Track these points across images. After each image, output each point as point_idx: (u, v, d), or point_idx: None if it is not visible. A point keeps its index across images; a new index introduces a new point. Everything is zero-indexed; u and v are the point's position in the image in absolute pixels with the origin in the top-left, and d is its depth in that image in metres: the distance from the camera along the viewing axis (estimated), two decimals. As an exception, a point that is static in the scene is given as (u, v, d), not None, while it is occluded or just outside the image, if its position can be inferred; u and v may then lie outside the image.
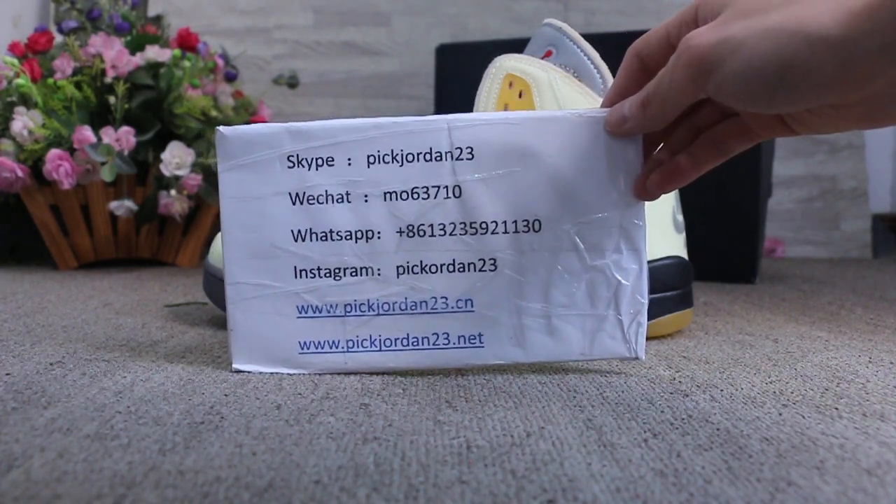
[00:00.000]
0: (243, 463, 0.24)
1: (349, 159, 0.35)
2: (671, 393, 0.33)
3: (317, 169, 0.35)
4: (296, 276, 0.35)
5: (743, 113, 0.31)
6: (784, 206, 1.36)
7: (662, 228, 0.47)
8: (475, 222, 0.35)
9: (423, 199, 0.35)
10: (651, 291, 0.45)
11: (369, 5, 1.37)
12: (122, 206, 0.88)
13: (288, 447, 0.25)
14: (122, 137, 0.85)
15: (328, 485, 0.22)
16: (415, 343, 0.36)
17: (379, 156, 0.35)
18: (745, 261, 0.85)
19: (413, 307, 0.35)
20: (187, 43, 0.97)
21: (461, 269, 0.35)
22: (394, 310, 0.35)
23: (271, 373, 0.36)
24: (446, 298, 0.35)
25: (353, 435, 0.27)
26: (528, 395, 0.33)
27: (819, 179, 1.36)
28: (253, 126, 0.35)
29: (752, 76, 0.25)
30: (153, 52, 0.91)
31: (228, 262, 0.36)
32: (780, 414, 0.30)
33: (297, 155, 0.35)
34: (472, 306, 0.35)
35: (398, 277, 0.35)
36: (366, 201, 0.35)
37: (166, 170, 0.87)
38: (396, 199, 0.35)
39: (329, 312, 0.36)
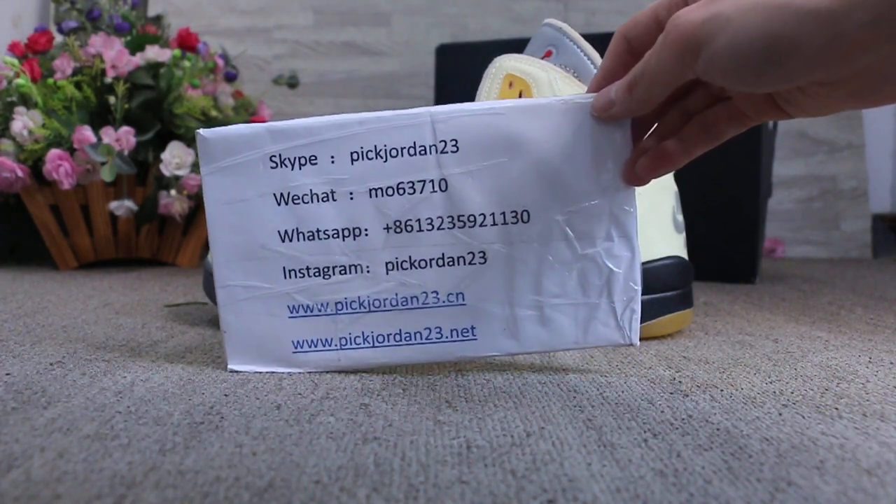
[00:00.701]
0: (243, 463, 0.24)
1: (332, 157, 0.34)
2: (671, 393, 0.33)
3: (300, 168, 0.35)
4: (285, 277, 0.35)
5: (734, 95, 0.31)
6: (784, 206, 1.36)
7: (662, 228, 0.47)
8: (463, 215, 0.35)
9: (409, 194, 0.34)
10: (651, 291, 0.45)
11: (369, 5, 1.37)
12: (122, 206, 0.88)
13: (288, 447, 0.25)
14: (122, 137, 0.85)
15: (328, 485, 0.22)
16: (407, 338, 0.36)
17: (362, 152, 0.34)
18: (745, 261, 0.85)
19: (404, 303, 0.35)
20: (187, 43, 0.97)
21: (451, 263, 0.35)
22: (385, 306, 0.35)
23: (267, 372, 0.36)
24: (437, 293, 0.35)
25: (353, 435, 0.27)
26: (528, 395, 0.33)
27: (819, 179, 1.36)
28: (233, 127, 0.35)
29: (740, 52, 0.25)
30: (153, 52, 0.91)
31: (217, 265, 0.36)
32: (780, 414, 0.30)
33: (280, 155, 0.35)
34: (463, 300, 0.35)
35: (387, 274, 0.35)
36: (351, 199, 0.35)
37: (166, 170, 0.87)
38: (382, 195, 0.35)
39: (320, 311, 0.36)
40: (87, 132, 0.83)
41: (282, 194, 0.35)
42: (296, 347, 0.36)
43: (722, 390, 0.34)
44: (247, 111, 1.05)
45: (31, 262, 1.00)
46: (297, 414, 0.29)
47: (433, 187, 0.34)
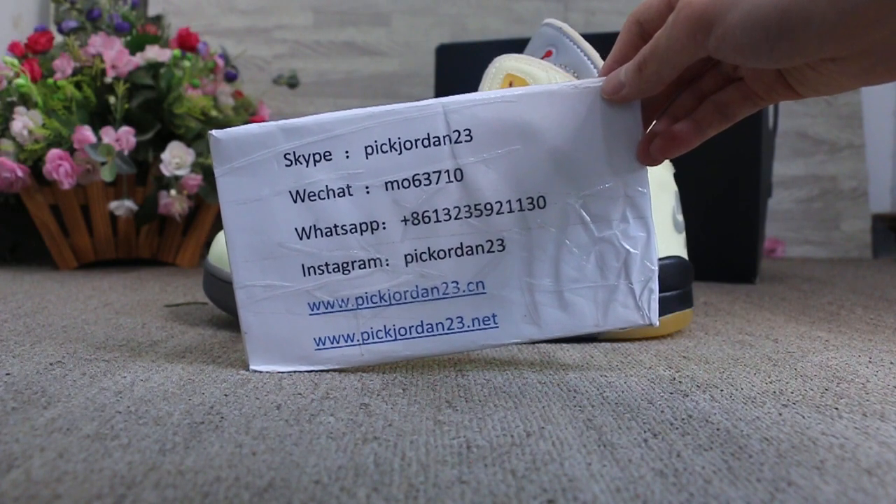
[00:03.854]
0: (243, 463, 0.24)
1: (347, 152, 0.35)
2: (671, 393, 0.33)
3: (315, 164, 0.35)
4: (304, 274, 0.35)
5: (746, 76, 0.31)
6: (784, 206, 1.36)
7: (662, 228, 0.47)
8: (479, 204, 0.35)
9: (425, 185, 0.35)
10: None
11: (369, 5, 1.37)
12: (122, 206, 0.88)
13: (288, 447, 0.25)
14: (122, 137, 0.85)
15: (328, 485, 0.22)
16: (429, 329, 0.36)
17: (376, 146, 0.34)
18: (745, 261, 0.85)
19: (424, 294, 0.35)
20: (187, 43, 0.97)
21: (469, 252, 0.35)
22: (405, 298, 0.35)
23: (290, 371, 0.36)
24: (457, 283, 0.35)
25: (353, 435, 0.27)
26: (528, 395, 0.33)
27: (819, 179, 1.36)
28: (246, 127, 0.35)
29: (752, 27, 0.25)
30: (153, 52, 0.91)
31: (235, 265, 0.35)
32: (780, 414, 0.30)
33: (294, 152, 0.35)
34: (483, 288, 0.35)
35: (407, 266, 0.35)
36: (367, 193, 0.35)
37: (166, 170, 0.87)
38: (398, 187, 0.35)
39: (341, 307, 0.36)
40: (87, 132, 0.83)
41: (297, 191, 0.35)
42: (318, 345, 0.36)
43: (722, 390, 0.34)
44: (247, 111, 1.05)
45: (31, 262, 1.00)
46: (297, 414, 0.29)
47: (449, 177, 0.35)
